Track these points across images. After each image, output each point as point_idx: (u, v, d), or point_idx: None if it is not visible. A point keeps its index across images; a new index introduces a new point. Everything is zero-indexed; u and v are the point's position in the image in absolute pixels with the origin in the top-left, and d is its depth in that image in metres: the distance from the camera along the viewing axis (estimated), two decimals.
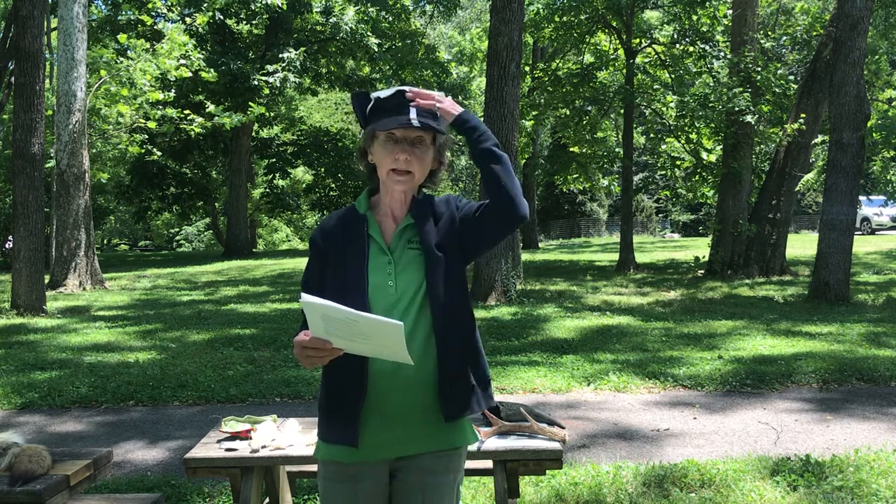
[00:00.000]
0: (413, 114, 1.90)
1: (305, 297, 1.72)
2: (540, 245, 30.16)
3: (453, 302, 1.95)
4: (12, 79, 15.23)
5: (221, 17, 22.35)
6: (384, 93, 1.96)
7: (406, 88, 1.95)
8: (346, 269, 1.94)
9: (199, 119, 19.37)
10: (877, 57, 19.02)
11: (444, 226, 1.99)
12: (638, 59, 18.07)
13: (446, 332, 1.93)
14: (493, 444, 3.10)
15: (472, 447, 2.99)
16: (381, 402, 1.92)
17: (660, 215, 45.04)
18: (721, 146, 16.05)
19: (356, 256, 1.96)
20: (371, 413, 1.93)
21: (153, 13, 20.98)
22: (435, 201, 2.05)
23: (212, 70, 19.20)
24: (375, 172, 2.02)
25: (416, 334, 1.92)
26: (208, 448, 3.14)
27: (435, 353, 1.94)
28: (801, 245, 21.12)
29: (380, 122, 1.93)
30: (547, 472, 3.40)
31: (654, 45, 18.55)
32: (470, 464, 3.05)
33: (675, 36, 17.43)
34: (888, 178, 17.76)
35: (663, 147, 18.03)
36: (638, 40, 18.12)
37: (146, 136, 23.82)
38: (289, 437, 3.16)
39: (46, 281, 12.40)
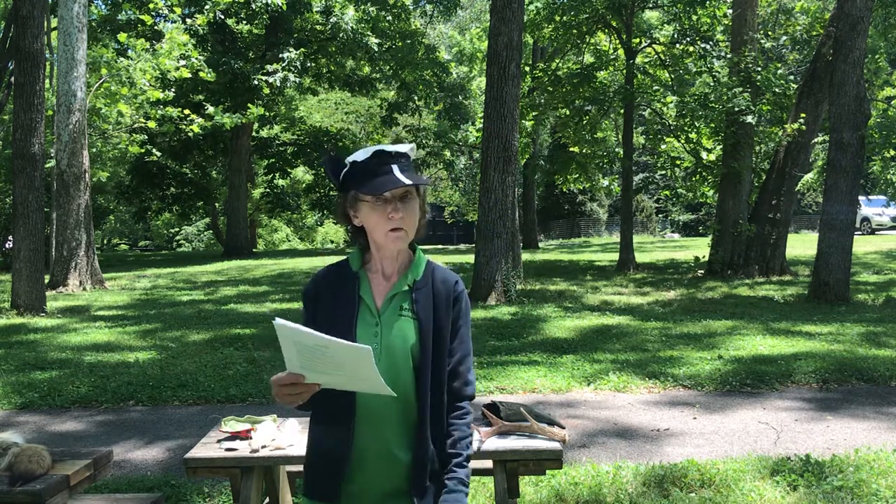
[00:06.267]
0: (398, 171, 1.87)
1: (279, 320, 1.68)
2: (540, 245, 30.15)
3: (438, 375, 1.94)
4: (12, 79, 15.22)
5: (222, 17, 22.34)
6: (360, 155, 1.92)
7: (385, 148, 1.91)
8: (335, 331, 1.86)
9: (199, 119, 19.36)
10: (877, 56, 19.01)
11: (441, 304, 1.97)
12: (638, 59, 18.06)
13: (426, 400, 1.93)
14: (493, 444, 3.10)
15: (472, 447, 2.99)
16: (365, 464, 1.93)
17: (660, 215, 45.02)
18: (721, 146, 16.05)
19: (344, 317, 1.94)
20: (354, 474, 1.94)
21: (154, 13, 20.97)
22: (436, 275, 2.01)
23: (211, 70, 19.20)
24: (361, 231, 1.99)
25: (397, 400, 1.90)
26: (208, 448, 3.14)
27: (415, 419, 1.93)
28: (801, 245, 21.11)
29: (366, 185, 1.88)
30: (547, 471, 3.40)
31: (654, 45, 18.54)
32: (470, 464, 3.04)
33: (675, 36, 17.43)
34: (888, 177, 17.76)
35: (663, 147, 18.02)
36: (638, 40, 18.12)
37: (146, 136, 23.81)
38: (289, 437, 3.16)
39: (46, 281, 12.41)
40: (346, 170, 1.95)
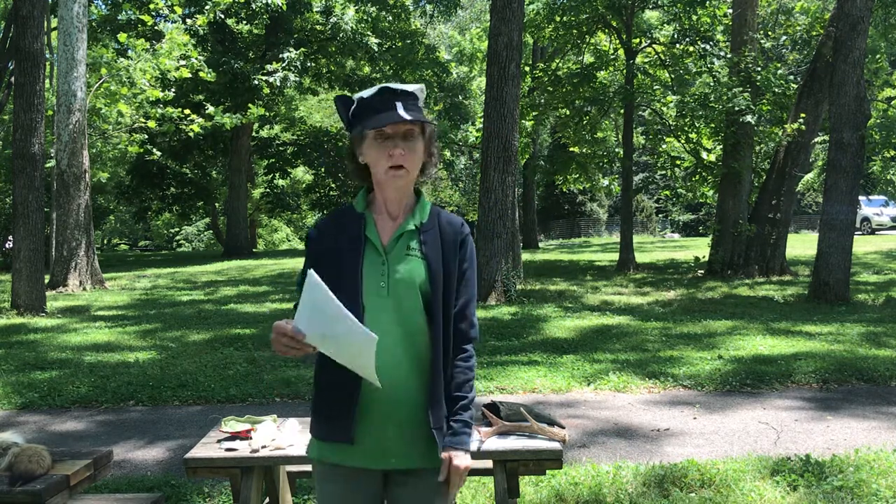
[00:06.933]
0: (401, 108, 1.89)
1: (315, 276, 1.73)
2: (540, 245, 30.15)
3: (447, 315, 1.96)
4: (12, 79, 15.23)
5: (222, 17, 22.36)
6: (367, 92, 1.95)
7: (390, 85, 1.94)
8: (340, 269, 1.93)
9: (199, 119, 19.37)
10: (877, 56, 19.01)
11: (449, 246, 1.99)
12: (638, 59, 18.06)
13: (439, 338, 1.94)
14: (493, 444, 3.10)
15: (473, 447, 2.99)
16: (375, 402, 1.93)
17: (660, 215, 45.02)
18: (721, 146, 16.05)
19: (351, 256, 1.95)
20: (364, 413, 1.93)
21: (154, 13, 20.98)
22: (442, 218, 2.02)
23: (211, 70, 19.20)
24: (366, 172, 2.00)
25: (406, 339, 1.92)
26: (208, 448, 3.14)
27: (429, 357, 1.94)
28: (801, 245, 21.10)
29: (369, 120, 1.91)
30: (547, 471, 3.40)
31: (654, 45, 18.54)
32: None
33: (675, 36, 17.42)
34: (888, 177, 17.77)
35: (663, 147, 18.03)
36: (638, 40, 18.12)
37: (146, 136, 23.83)
38: (289, 437, 3.16)
39: (46, 281, 12.40)
40: (353, 107, 1.97)
